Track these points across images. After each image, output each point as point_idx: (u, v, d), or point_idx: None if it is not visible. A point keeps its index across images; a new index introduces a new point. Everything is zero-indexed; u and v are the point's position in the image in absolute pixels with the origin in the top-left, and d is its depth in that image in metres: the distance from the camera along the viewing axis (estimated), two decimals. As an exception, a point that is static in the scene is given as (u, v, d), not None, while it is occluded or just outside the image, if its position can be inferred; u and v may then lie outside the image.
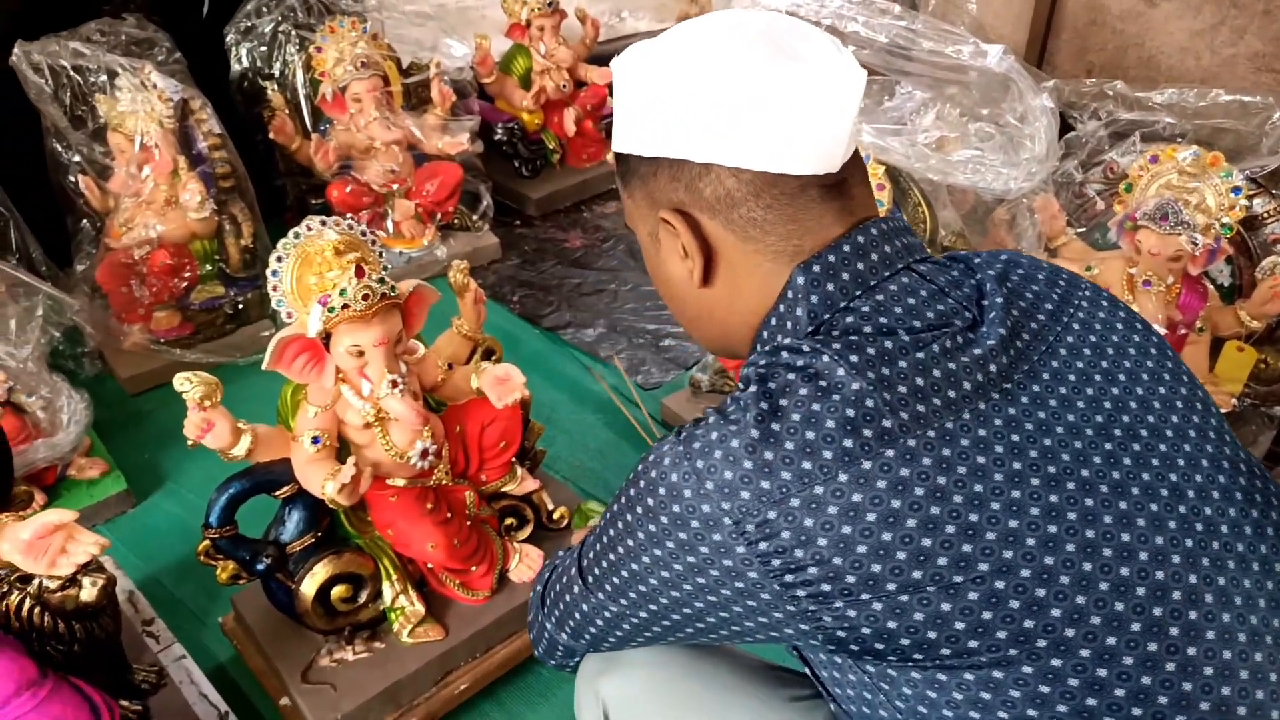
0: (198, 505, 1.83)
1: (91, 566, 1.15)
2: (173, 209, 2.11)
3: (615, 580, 0.81)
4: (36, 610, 1.13)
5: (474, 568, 1.46)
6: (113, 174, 2.12)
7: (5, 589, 1.12)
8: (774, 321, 0.79)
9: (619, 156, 0.86)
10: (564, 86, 2.91)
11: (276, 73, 2.49)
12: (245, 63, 2.48)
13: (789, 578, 0.68)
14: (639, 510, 0.75)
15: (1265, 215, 1.73)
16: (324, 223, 1.32)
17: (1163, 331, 1.70)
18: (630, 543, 0.77)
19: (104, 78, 2.05)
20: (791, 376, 0.70)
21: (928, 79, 1.75)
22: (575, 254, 2.76)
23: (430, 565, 1.46)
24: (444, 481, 1.45)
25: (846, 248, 0.77)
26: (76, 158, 2.10)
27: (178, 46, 2.25)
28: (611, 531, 0.80)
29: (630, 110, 0.81)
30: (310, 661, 1.39)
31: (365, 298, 1.24)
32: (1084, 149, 1.83)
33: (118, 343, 2.17)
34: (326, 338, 1.28)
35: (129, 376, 2.14)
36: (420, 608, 1.43)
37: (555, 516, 1.59)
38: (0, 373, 1.71)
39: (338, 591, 1.37)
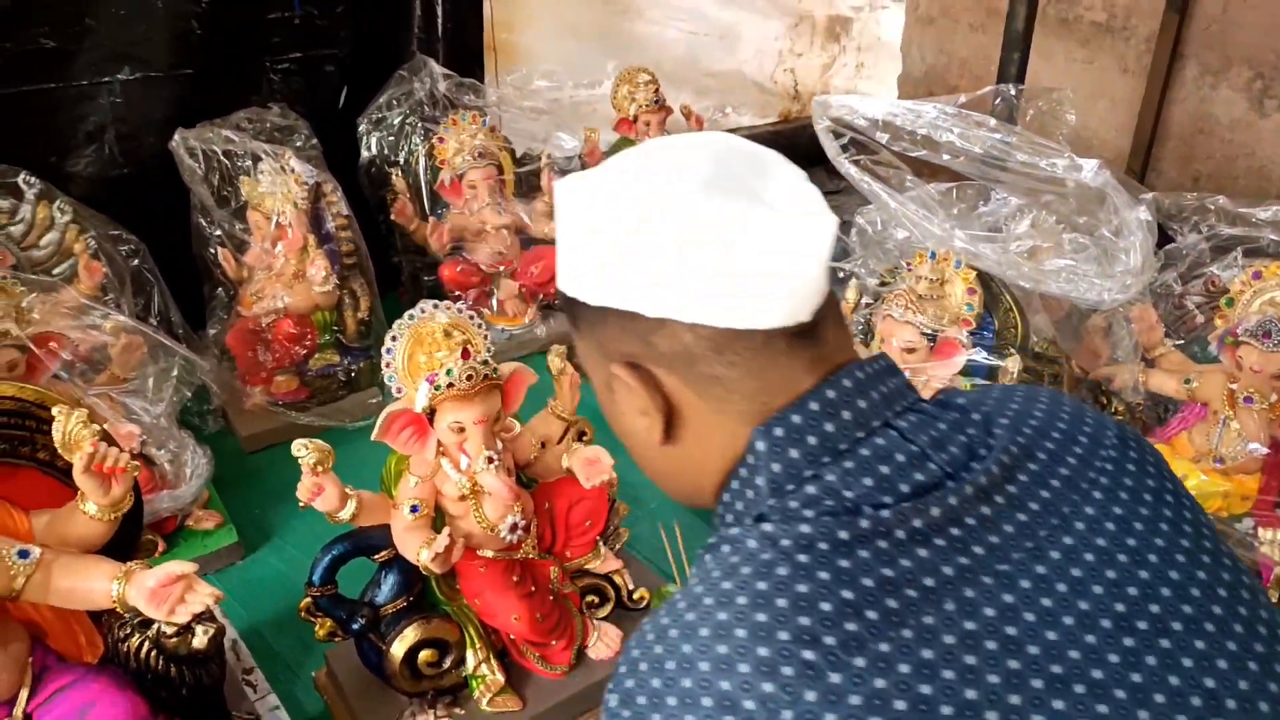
0: (300, 561, 1.94)
1: (205, 616, 1.25)
2: (300, 282, 2.28)
3: None
4: (153, 654, 1.23)
5: (554, 642, 1.51)
6: (249, 248, 2.31)
7: (128, 632, 1.23)
8: (735, 486, 0.70)
9: (564, 297, 0.74)
10: (667, 178, 3.03)
11: (401, 160, 2.68)
12: (374, 150, 2.68)
13: None
14: None
15: (1376, 337, 1.68)
16: (436, 306, 1.43)
17: (1263, 451, 1.66)
18: None
19: (249, 161, 2.25)
20: (727, 585, 0.60)
21: (1022, 187, 1.78)
22: (669, 339, 2.83)
23: (513, 636, 1.51)
24: (531, 555, 1.51)
25: (814, 405, 0.67)
26: (218, 232, 2.29)
27: (315, 134, 2.46)
28: None
29: (571, 250, 0.71)
30: (394, 722, 1.45)
31: (469, 378, 1.33)
32: (1184, 261, 1.82)
33: (240, 403, 2.33)
34: (431, 413, 1.37)
35: (248, 435, 2.29)
36: (500, 677, 1.48)
37: (635, 597, 1.63)
38: (136, 427, 1.86)
39: (425, 655, 1.44)
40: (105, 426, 1.27)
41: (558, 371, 1.58)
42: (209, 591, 1.18)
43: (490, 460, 1.37)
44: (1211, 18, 3.02)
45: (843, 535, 0.61)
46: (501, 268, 2.65)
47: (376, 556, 1.43)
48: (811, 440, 0.67)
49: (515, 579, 1.47)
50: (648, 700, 0.58)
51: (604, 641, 1.57)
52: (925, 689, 0.55)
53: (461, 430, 1.37)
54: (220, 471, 2.11)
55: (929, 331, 1.69)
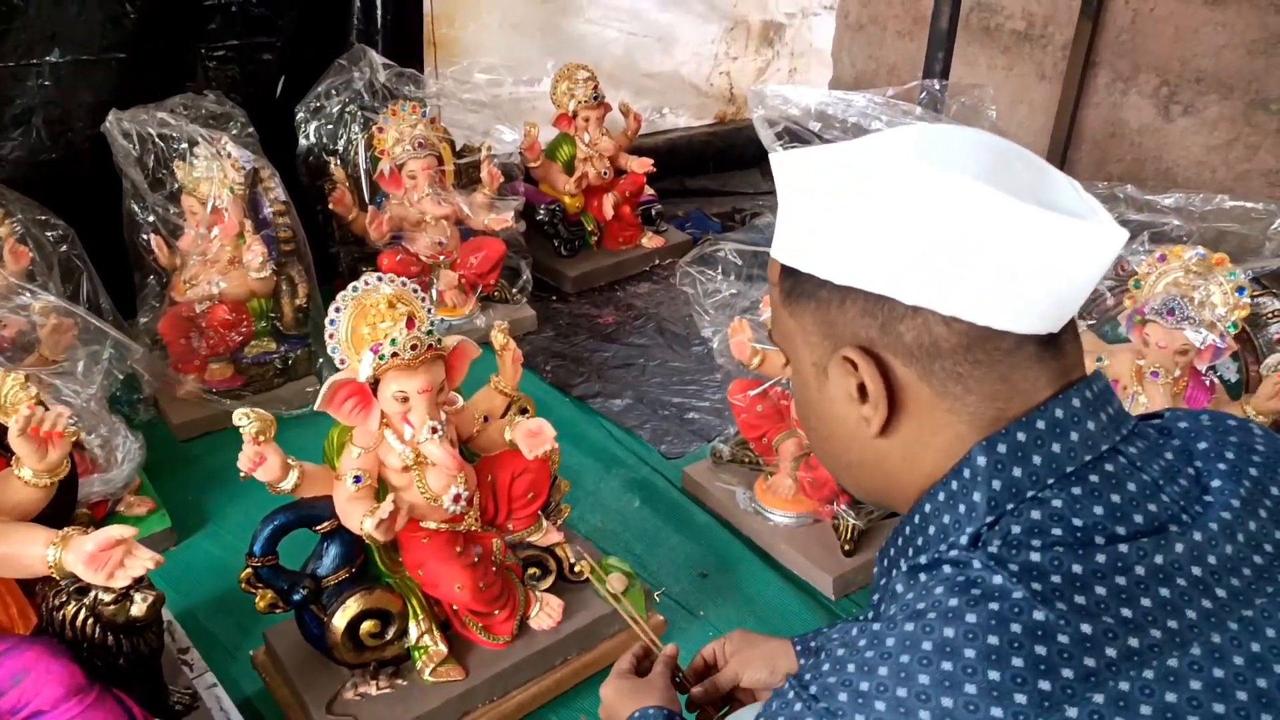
0: (235, 546, 1.93)
1: (143, 584, 1.24)
2: (235, 268, 2.25)
3: None
4: (90, 622, 1.21)
5: (497, 612, 1.53)
6: (183, 234, 2.28)
7: (64, 600, 1.21)
8: (942, 498, 0.67)
9: (786, 270, 0.72)
10: (605, 174, 3.08)
11: (340, 149, 2.67)
12: (312, 139, 2.66)
13: None
14: None
15: (1270, 315, 1.80)
16: (380, 279, 1.45)
17: (1170, 422, 1.75)
18: None
19: (184, 146, 2.22)
20: (954, 602, 0.57)
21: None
22: (607, 330, 2.87)
23: (455, 607, 1.53)
24: (474, 528, 1.53)
25: (1040, 424, 0.64)
26: (151, 218, 2.26)
27: (251, 122, 2.44)
28: None
29: (819, 226, 0.67)
30: (335, 694, 1.45)
31: (414, 347, 1.34)
32: (1096, 247, 1.92)
33: (172, 391, 2.29)
34: (375, 384, 1.38)
35: (180, 423, 2.26)
36: (443, 648, 1.49)
37: (576, 569, 1.66)
38: (66, 409, 1.82)
39: (367, 626, 1.44)
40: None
41: (500, 347, 1.60)
42: (149, 556, 1.17)
43: (434, 431, 1.39)
44: (1121, 28, 3.19)
45: (1077, 570, 0.58)
46: (441, 258, 2.66)
47: (318, 528, 1.43)
48: (1036, 460, 0.63)
49: (458, 550, 1.49)
50: (850, 698, 0.57)
51: (546, 612, 1.59)
52: None
53: (405, 400, 1.38)
54: (152, 459, 2.08)
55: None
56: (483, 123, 2.90)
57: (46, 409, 1.21)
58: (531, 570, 1.63)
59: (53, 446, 1.20)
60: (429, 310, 1.47)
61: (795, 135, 1.92)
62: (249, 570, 1.39)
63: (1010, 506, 0.63)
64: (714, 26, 3.93)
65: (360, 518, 1.37)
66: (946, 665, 0.55)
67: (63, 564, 1.14)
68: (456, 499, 1.46)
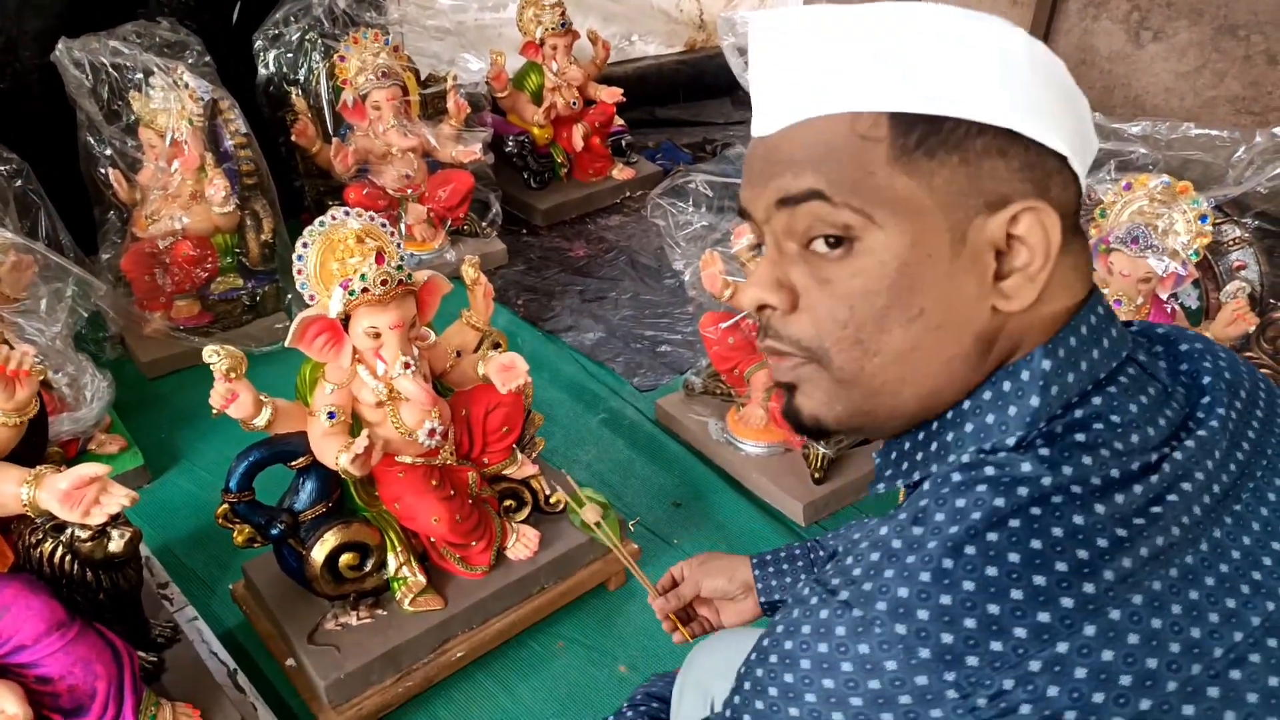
0: (210, 482, 1.94)
1: (120, 520, 1.24)
2: (198, 203, 2.21)
3: None
4: (68, 559, 1.22)
5: (474, 543, 1.55)
6: (142, 168, 2.23)
7: (40, 537, 1.21)
8: (988, 396, 0.63)
9: (906, 120, 0.61)
10: (574, 104, 3.03)
11: (301, 79, 2.60)
12: (272, 68, 2.59)
13: None
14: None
15: (1231, 243, 1.83)
16: (347, 213, 1.43)
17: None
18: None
19: (139, 76, 2.16)
20: (999, 503, 0.57)
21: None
22: (578, 263, 2.86)
23: (433, 540, 1.55)
24: (449, 462, 1.54)
25: (1084, 329, 0.63)
26: (108, 151, 2.20)
27: (208, 50, 2.37)
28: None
29: (971, 66, 0.60)
30: (316, 625, 1.48)
31: (384, 282, 1.33)
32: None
33: (138, 329, 2.27)
34: (346, 320, 1.37)
35: (148, 361, 2.24)
36: (422, 579, 1.52)
37: (552, 501, 1.68)
38: (31, 347, 1.80)
39: (345, 559, 1.46)
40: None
41: (471, 282, 1.60)
42: (124, 493, 1.17)
43: (407, 365, 1.39)
44: (1094, -49, 3.15)
45: (1115, 474, 0.58)
46: (408, 191, 2.62)
47: (293, 463, 1.44)
48: (1083, 366, 0.62)
49: (434, 483, 1.50)
50: (889, 607, 0.55)
51: (522, 542, 1.62)
52: (1195, 632, 0.55)
53: (377, 336, 1.37)
54: (122, 398, 2.07)
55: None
56: (448, 51, 2.84)
57: (11, 348, 1.19)
58: (508, 502, 1.65)
59: (20, 385, 1.18)
60: (398, 245, 1.45)
61: (766, 63, 1.90)
62: (225, 506, 1.40)
63: (1059, 411, 0.62)
64: (683, -50, 3.84)
65: (335, 453, 1.37)
66: (991, 571, 0.55)
67: (37, 502, 1.14)
68: (431, 433, 1.47)
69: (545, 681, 1.57)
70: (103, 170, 2.21)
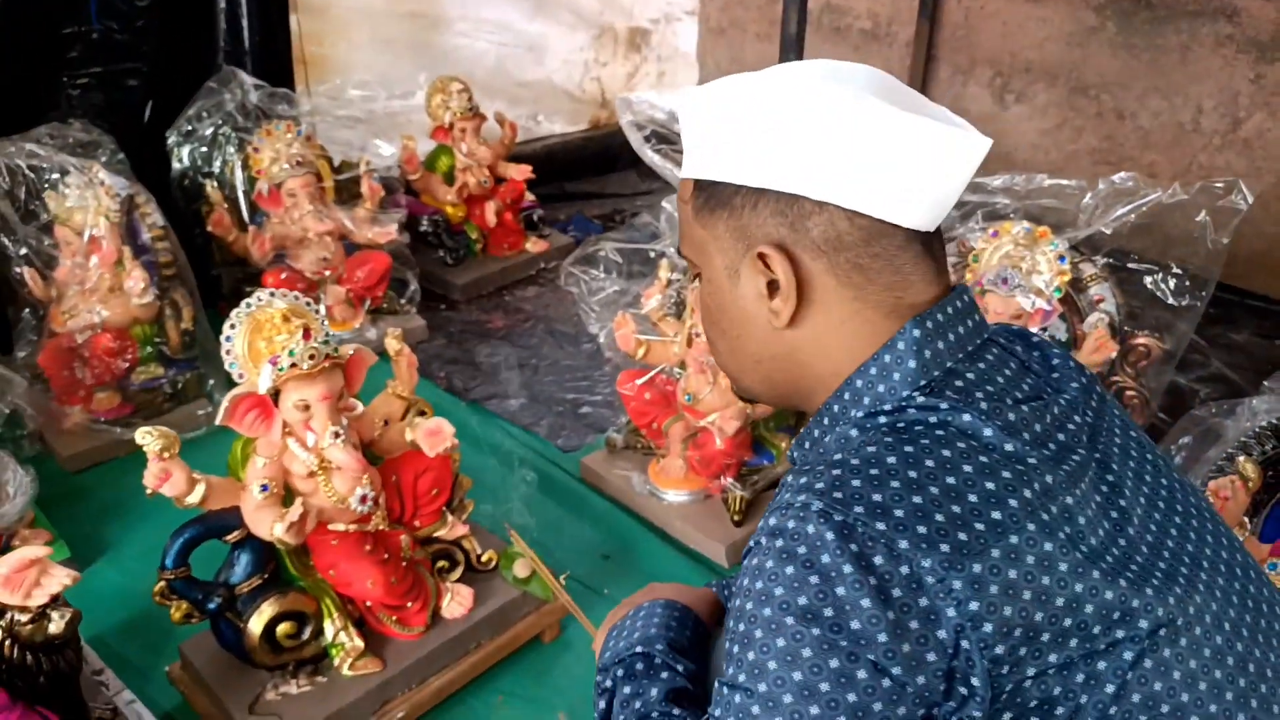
0: (138, 571, 1.94)
1: (59, 603, 1.27)
2: (116, 295, 2.24)
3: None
4: (7, 643, 1.24)
5: (409, 604, 1.60)
6: (58, 265, 2.25)
7: (-22, 624, 1.23)
8: (874, 371, 0.77)
9: (700, 184, 0.82)
10: (484, 182, 3.16)
11: (215, 171, 2.67)
12: (186, 162, 2.66)
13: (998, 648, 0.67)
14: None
15: (1089, 279, 2.03)
16: (272, 294, 1.50)
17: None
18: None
19: (55, 176, 2.20)
20: (939, 433, 0.72)
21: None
22: (498, 333, 2.95)
23: (369, 604, 1.59)
24: (381, 527, 1.60)
25: (950, 309, 0.78)
26: (24, 250, 2.23)
27: (121, 148, 2.42)
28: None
29: (733, 137, 0.78)
30: (257, 696, 1.50)
31: (312, 357, 1.41)
32: (939, 227, 2.12)
33: (58, 424, 2.26)
34: (275, 395, 1.44)
35: (69, 455, 2.23)
36: (359, 643, 1.56)
37: (484, 559, 1.74)
38: (-48, 446, 1.80)
39: (283, 629, 1.49)
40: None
41: (395, 353, 1.68)
42: (65, 573, 1.21)
43: (337, 435, 1.46)
44: (956, 24, 3.46)
45: (1011, 418, 0.73)
46: (327, 273, 2.69)
47: (228, 537, 1.48)
48: (951, 337, 0.77)
49: (368, 548, 1.55)
50: (867, 510, 0.67)
51: (457, 600, 1.67)
52: (1089, 545, 0.70)
53: (307, 408, 1.44)
54: (44, 493, 2.05)
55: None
56: (359, 138, 2.95)
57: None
58: (440, 563, 1.71)
59: (-45, 476, 1.22)
60: (322, 321, 1.53)
61: (663, 138, 2.05)
62: (162, 584, 1.43)
63: (937, 373, 0.76)
64: (582, 34, 4.05)
65: (270, 523, 1.42)
66: (950, 480, 0.69)
67: (-24, 589, 1.17)
68: (364, 500, 1.53)
69: (486, 736, 1.61)
70: (17, 270, 2.22)
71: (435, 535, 1.70)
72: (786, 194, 0.76)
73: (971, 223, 2.03)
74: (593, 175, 4.07)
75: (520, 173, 3.25)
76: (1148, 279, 2.02)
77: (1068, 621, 0.67)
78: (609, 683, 0.95)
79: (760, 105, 0.76)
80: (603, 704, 0.95)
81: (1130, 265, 2.02)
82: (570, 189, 3.94)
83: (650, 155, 1.96)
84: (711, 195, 0.81)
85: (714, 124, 0.79)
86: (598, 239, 2.40)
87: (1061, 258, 1.95)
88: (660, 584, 1.15)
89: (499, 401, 2.58)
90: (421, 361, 2.73)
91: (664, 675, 0.93)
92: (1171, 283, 2.02)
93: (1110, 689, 0.69)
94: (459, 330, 2.97)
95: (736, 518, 2.02)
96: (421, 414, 1.75)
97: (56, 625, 1.25)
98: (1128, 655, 0.69)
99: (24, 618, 1.23)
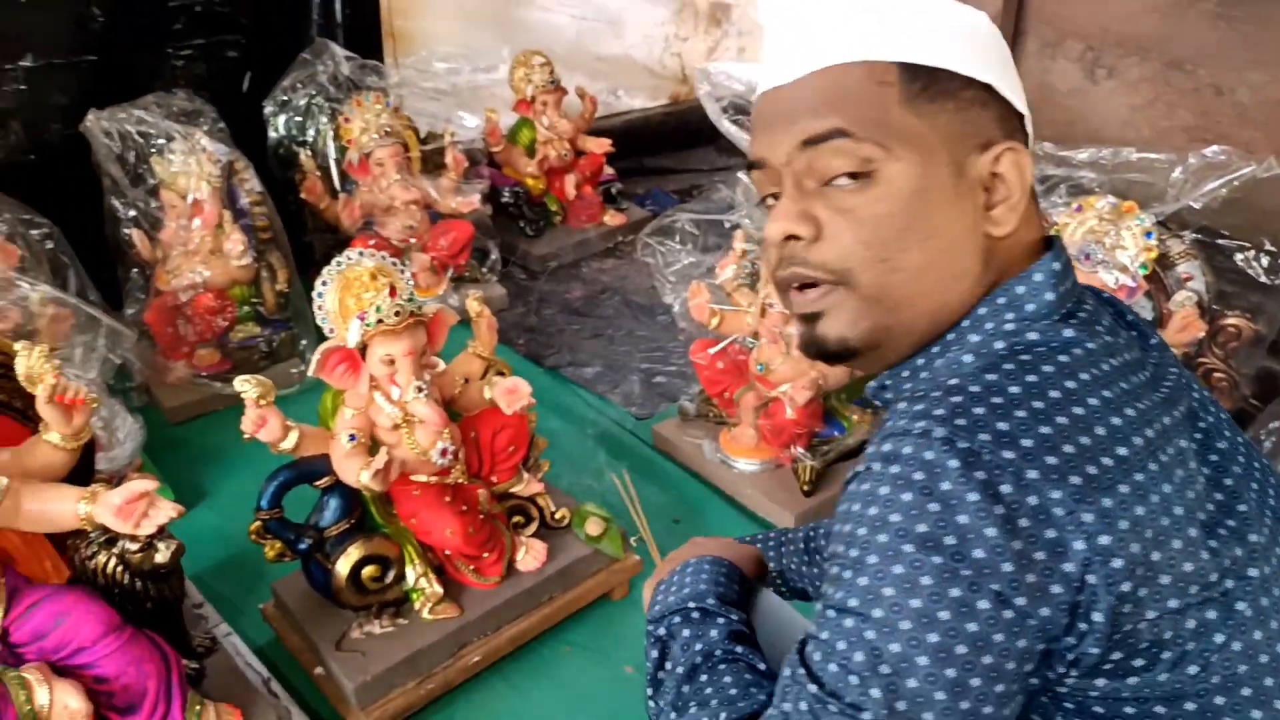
0: (235, 515, 2.05)
1: (164, 535, 1.37)
2: (216, 257, 2.36)
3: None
4: (119, 569, 1.34)
5: (486, 555, 1.67)
6: (163, 227, 2.38)
7: (94, 550, 1.33)
8: (1002, 300, 0.75)
9: (915, 70, 0.74)
10: (565, 155, 3.21)
11: (309, 140, 2.78)
12: (281, 131, 2.77)
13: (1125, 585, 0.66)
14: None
15: (1176, 256, 1.98)
16: (361, 254, 1.57)
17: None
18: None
19: (161, 142, 2.32)
20: (1063, 358, 0.71)
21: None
22: (575, 304, 3.01)
23: (448, 552, 1.66)
24: (461, 480, 1.67)
25: (1066, 257, 0.79)
26: (132, 213, 2.36)
27: (221, 117, 2.54)
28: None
29: (959, 31, 0.76)
30: (343, 634, 1.59)
31: (397, 314, 1.48)
32: (1020, 201, 2.09)
33: (162, 377, 2.40)
34: (363, 350, 1.51)
35: (172, 407, 2.37)
36: (439, 589, 1.63)
37: (557, 516, 1.80)
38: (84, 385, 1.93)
39: (368, 571, 1.57)
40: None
41: (475, 314, 1.74)
42: (171, 506, 1.30)
43: (420, 390, 1.52)
44: (1046, -3, 3.36)
45: (1127, 357, 0.74)
46: (412, 241, 2.78)
47: (318, 483, 1.56)
48: (1069, 281, 0.77)
49: (447, 499, 1.62)
50: (994, 438, 0.66)
51: (531, 554, 1.73)
52: (1195, 491, 0.71)
53: (392, 363, 1.51)
54: (150, 441, 2.19)
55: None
56: (444, 110, 3.02)
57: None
58: (516, 518, 1.77)
59: (76, 412, 1.31)
60: (408, 281, 1.60)
61: (741, 109, 2.07)
62: (258, 523, 1.52)
63: (1069, 307, 0.75)
64: (662, 9, 4.06)
65: (357, 470, 1.50)
66: (1078, 410, 0.68)
67: (93, 516, 1.26)
68: (444, 453, 1.59)
69: (555, 683, 1.67)
70: (127, 231, 2.36)
71: (511, 491, 1.76)
72: (1007, 101, 0.76)
73: (1054, 197, 2.00)
74: (671, 151, 4.08)
75: (599, 146, 3.29)
76: (1239, 257, 1.95)
77: (1187, 566, 0.67)
78: (662, 630, 0.96)
79: (965, 14, 0.77)
80: (655, 653, 0.96)
81: (1220, 242, 1.96)
82: (649, 164, 3.97)
83: (727, 126, 1.98)
84: (932, 82, 0.74)
85: (918, 6, 0.76)
86: (674, 210, 2.43)
87: (1148, 233, 1.91)
88: (703, 538, 1.16)
89: (575, 369, 2.64)
90: (501, 329, 2.80)
91: (720, 620, 0.94)
92: (1265, 261, 1.95)
93: (1219, 638, 0.69)
94: (537, 299, 3.04)
95: (806, 488, 2.04)
96: (500, 374, 1.81)
97: (162, 555, 1.34)
98: (1240, 606, 0.69)
99: (134, 546, 1.32)
